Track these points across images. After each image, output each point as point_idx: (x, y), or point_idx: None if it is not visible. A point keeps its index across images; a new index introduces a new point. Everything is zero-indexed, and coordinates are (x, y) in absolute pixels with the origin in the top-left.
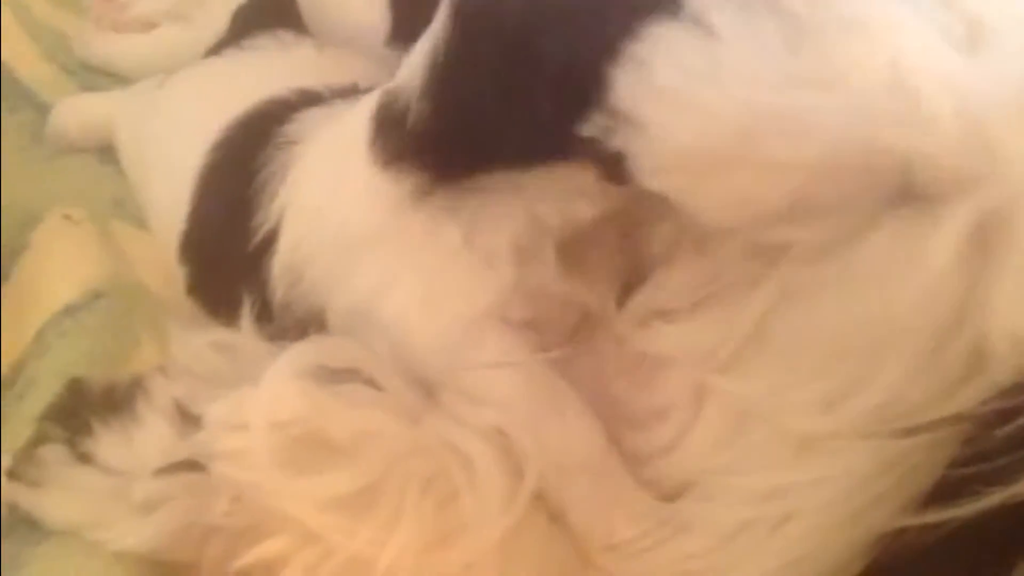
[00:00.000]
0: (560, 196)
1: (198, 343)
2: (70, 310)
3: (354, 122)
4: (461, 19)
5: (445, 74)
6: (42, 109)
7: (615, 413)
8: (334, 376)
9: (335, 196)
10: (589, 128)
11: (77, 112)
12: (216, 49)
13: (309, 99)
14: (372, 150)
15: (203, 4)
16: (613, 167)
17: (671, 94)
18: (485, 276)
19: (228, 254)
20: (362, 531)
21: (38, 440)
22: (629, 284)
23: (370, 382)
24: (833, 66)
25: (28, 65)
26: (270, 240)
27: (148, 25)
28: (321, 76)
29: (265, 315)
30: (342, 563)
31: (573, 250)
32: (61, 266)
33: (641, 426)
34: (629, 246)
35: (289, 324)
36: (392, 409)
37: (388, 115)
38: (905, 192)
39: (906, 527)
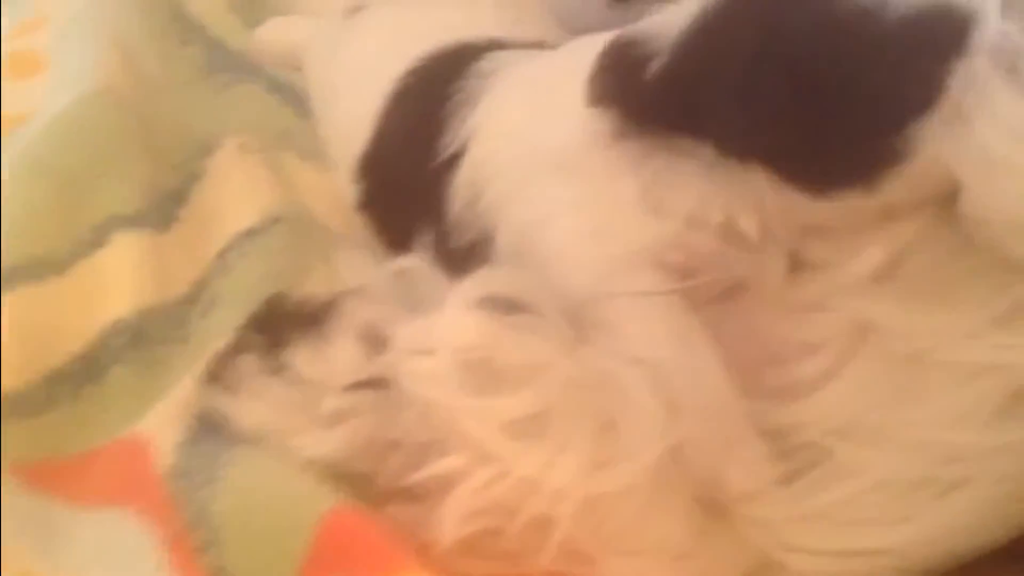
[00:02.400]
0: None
1: (379, 271)
2: (251, 233)
3: (567, 59)
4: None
5: (708, 43)
6: (211, 44)
7: (759, 346)
8: (503, 306)
9: (532, 121)
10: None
11: (280, 32)
12: None
13: (499, 46)
14: (590, 85)
15: None
16: None
17: (994, 160)
18: (649, 222)
19: (408, 170)
20: (534, 454)
21: (238, 348)
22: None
23: (533, 312)
24: None
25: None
26: (455, 158)
27: None
28: (509, 33)
29: (437, 237)
30: (513, 483)
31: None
32: (240, 191)
33: (786, 360)
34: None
35: (459, 245)
36: (556, 340)
37: (622, 57)
38: None
39: None
